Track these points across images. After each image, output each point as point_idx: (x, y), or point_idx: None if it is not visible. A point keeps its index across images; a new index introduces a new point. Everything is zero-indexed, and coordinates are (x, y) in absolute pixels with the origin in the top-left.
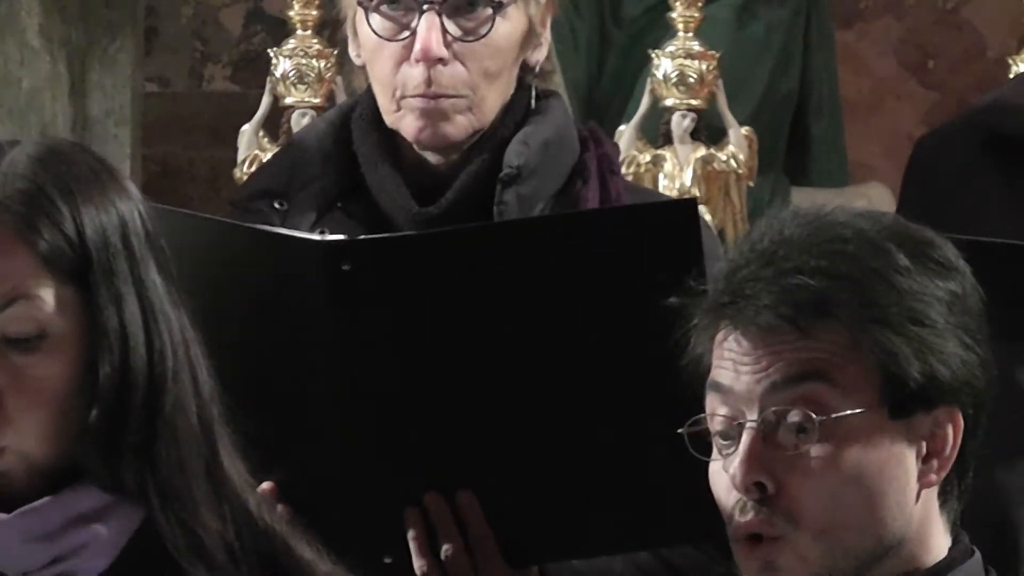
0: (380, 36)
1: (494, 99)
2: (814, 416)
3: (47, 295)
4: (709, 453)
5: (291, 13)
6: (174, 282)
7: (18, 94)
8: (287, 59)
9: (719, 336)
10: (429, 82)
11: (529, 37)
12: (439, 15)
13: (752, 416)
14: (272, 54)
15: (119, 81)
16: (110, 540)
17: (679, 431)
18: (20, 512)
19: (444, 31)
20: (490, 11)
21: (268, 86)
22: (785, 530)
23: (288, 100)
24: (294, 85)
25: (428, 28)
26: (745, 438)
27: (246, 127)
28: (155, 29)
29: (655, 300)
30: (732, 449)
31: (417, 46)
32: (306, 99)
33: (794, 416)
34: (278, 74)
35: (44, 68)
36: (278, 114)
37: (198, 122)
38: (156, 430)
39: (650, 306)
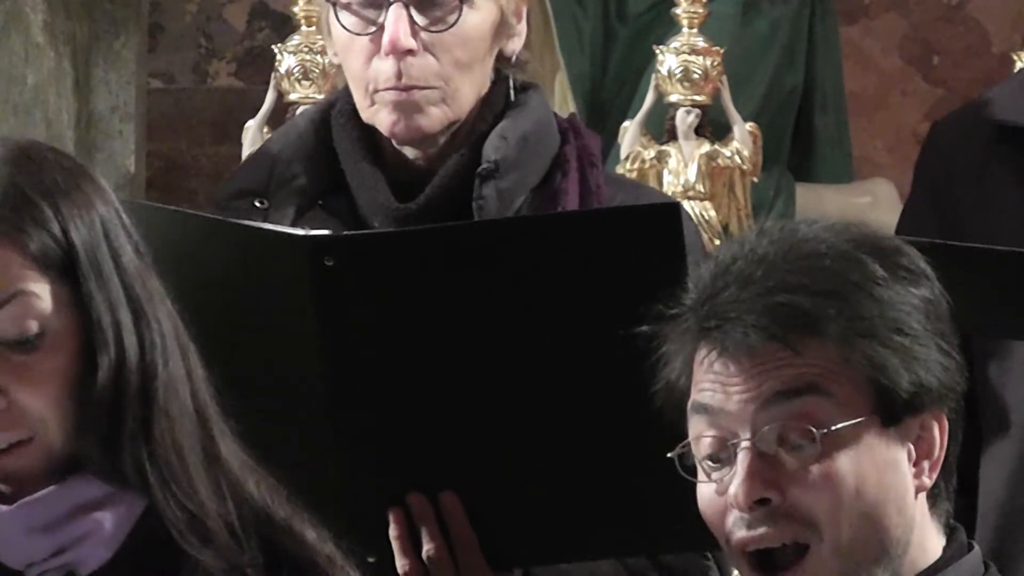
0: (350, 31)
1: (468, 90)
2: (814, 431)
3: (43, 293)
4: (694, 474)
5: (295, 9)
6: (154, 273)
7: (23, 90)
8: (291, 55)
9: (700, 357)
10: (400, 74)
11: (501, 27)
12: (406, 7)
13: (746, 435)
14: (276, 50)
15: (123, 77)
16: (112, 530)
17: (669, 455)
18: (22, 503)
19: (412, 22)
20: (457, 1)
21: (272, 82)
22: (809, 536)
23: (292, 96)
24: (298, 81)
25: (395, 20)
26: (742, 457)
27: (251, 123)
28: (160, 25)
29: (638, 304)
30: (725, 471)
31: (385, 39)
32: (310, 95)
33: (792, 432)
34: (282, 70)
35: (49, 64)
36: (283, 110)
37: (202, 118)
38: (151, 416)
39: (633, 310)
